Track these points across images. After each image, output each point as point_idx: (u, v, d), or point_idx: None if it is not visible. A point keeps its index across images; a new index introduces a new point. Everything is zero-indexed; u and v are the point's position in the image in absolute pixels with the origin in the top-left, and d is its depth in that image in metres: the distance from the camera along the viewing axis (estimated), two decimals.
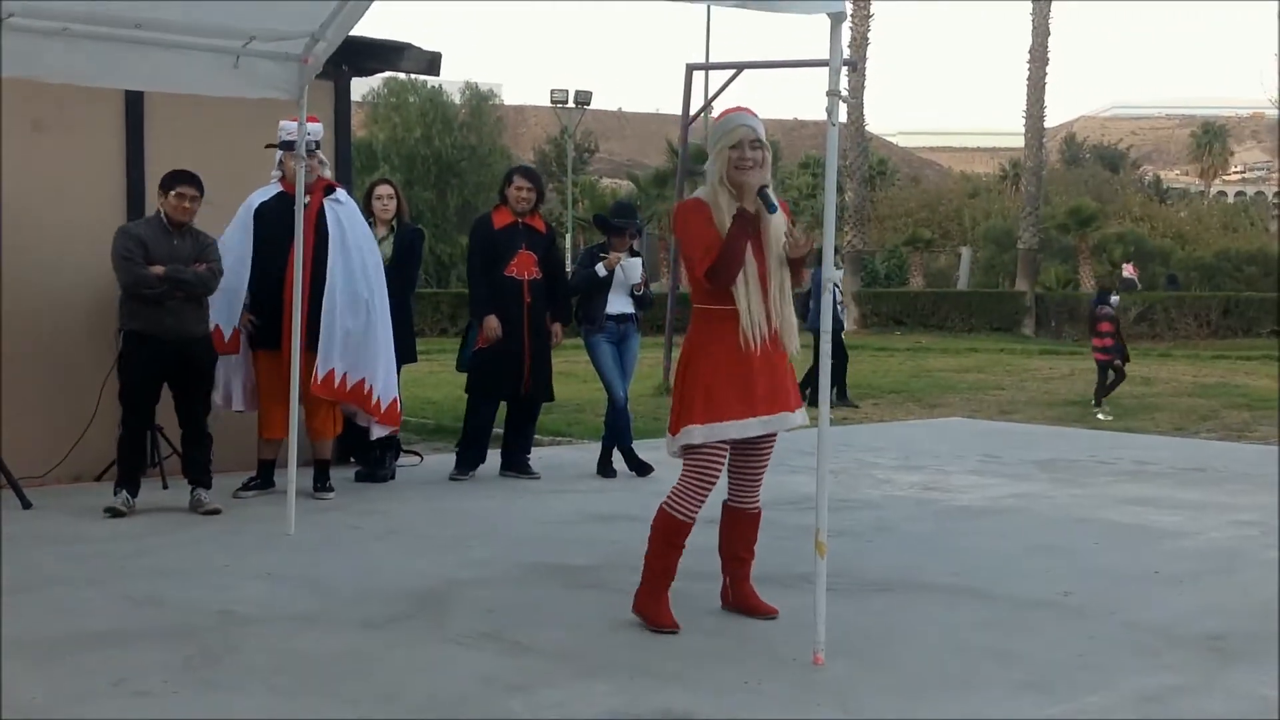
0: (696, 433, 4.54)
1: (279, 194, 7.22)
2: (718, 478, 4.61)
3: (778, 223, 4.60)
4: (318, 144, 7.16)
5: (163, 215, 6.72)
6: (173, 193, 6.65)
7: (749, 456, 4.73)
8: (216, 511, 6.77)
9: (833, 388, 14.06)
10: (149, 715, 3.72)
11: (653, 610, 4.66)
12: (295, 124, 6.98)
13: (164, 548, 6.00)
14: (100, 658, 4.24)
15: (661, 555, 4.67)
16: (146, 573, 5.50)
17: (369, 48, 8.63)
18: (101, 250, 6.75)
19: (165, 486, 7.38)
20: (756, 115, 4.68)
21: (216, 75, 6.17)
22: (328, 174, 7.40)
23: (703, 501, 4.62)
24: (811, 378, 14.26)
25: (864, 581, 5.43)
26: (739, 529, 4.85)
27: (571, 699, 3.89)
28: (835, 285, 5.00)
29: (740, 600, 4.88)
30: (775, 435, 4.70)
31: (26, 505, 6.83)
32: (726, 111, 4.70)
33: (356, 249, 7.27)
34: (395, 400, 7.46)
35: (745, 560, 4.89)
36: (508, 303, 7.88)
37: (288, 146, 7.10)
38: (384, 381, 7.35)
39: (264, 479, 7.35)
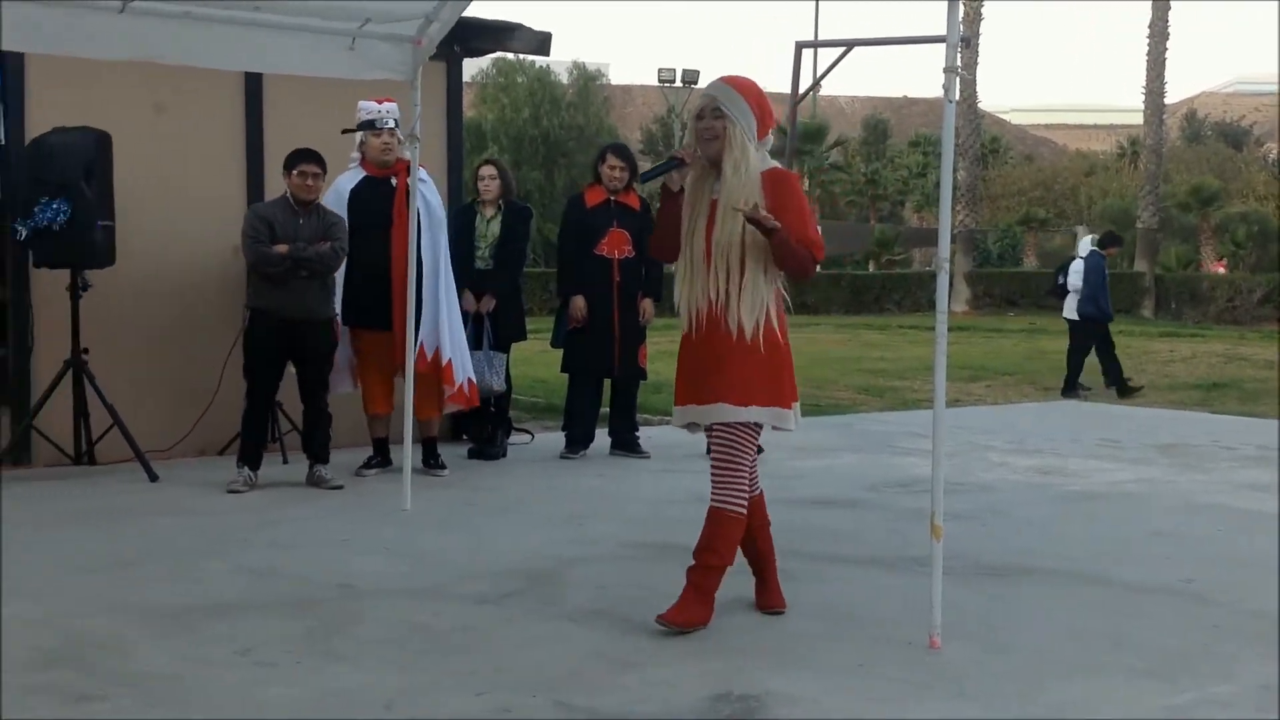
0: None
1: (365, 178, 7.33)
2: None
3: (731, 200, 4.21)
4: (396, 123, 7.23)
5: (289, 195, 6.87)
6: (295, 171, 6.79)
7: (713, 445, 4.36)
8: (339, 487, 6.91)
9: (1106, 375, 13.50)
10: (274, 684, 3.81)
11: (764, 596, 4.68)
12: (374, 104, 7.21)
13: (284, 521, 6.13)
14: (225, 627, 4.35)
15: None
16: (267, 545, 5.63)
17: (481, 28, 8.69)
18: (222, 230, 6.92)
19: (285, 461, 7.55)
20: (735, 82, 4.34)
21: (333, 57, 6.26)
22: (407, 154, 7.51)
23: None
24: (1108, 367, 13.64)
25: (979, 565, 5.35)
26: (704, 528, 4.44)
27: (682, 677, 3.89)
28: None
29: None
30: (746, 430, 4.27)
31: (153, 478, 7.03)
32: None
33: (438, 228, 7.42)
34: (470, 380, 7.52)
35: (695, 570, 4.39)
36: (597, 282, 7.89)
37: (368, 126, 7.21)
38: (461, 359, 7.46)
39: (382, 456, 7.46)
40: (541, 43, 9.18)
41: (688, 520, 6.24)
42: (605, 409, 8.38)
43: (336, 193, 7.34)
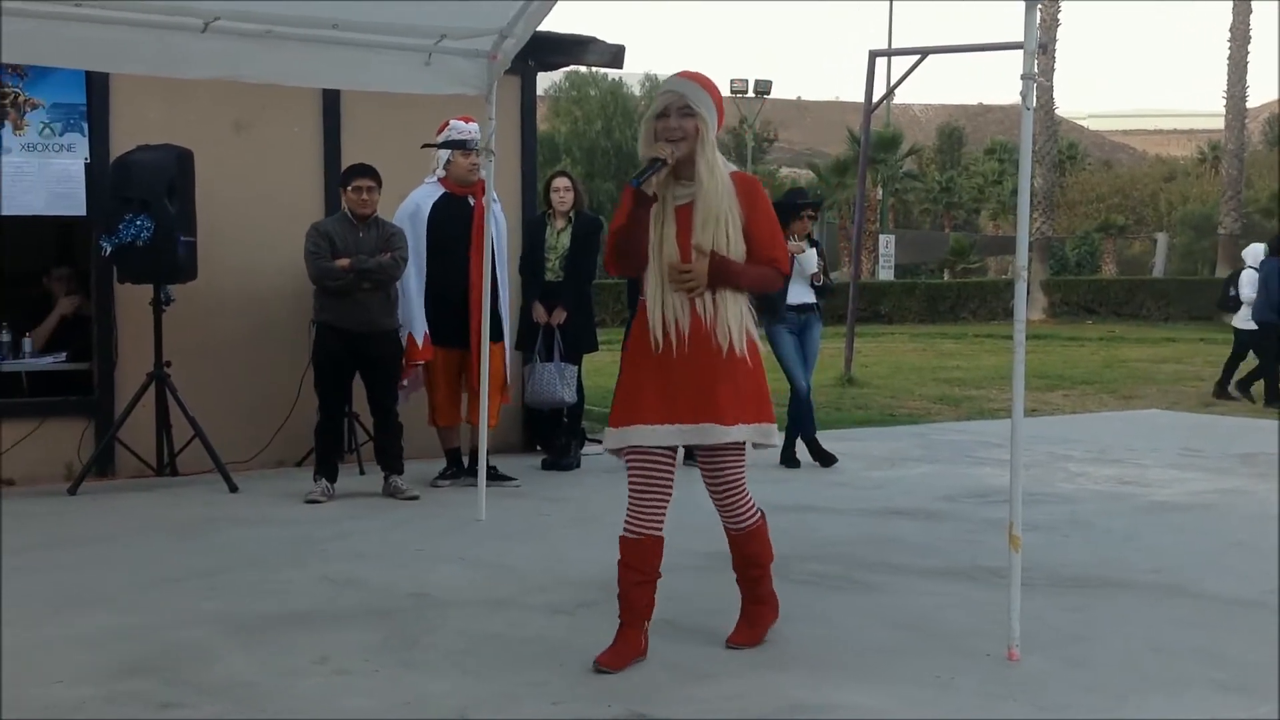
0: (609, 436, 4.13)
1: (445, 195, 7.40)
2: (653, 489, 4.08)
3: (710, 207, 3.94)
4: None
5: (346, 210, 6.96)
6: (350, 187, 6.93)
7: (707, 471, 4.18)
8: (415, 498, 6.98)
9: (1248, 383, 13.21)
10: (351, 693, 3.85)
11: (608, 649, 4.08)
12: (464, 124, 7.30)
13: (361, 532, 6.20)
14: (304, 636, 4.41)
15: (620, 580, 4.13)
16: (345, 555, 5.70)
17: (555, 42, 8.75)
18: (301, 244, 7.01)
19: (362, 472, 7.64)
20: (699, 79, 4.01)
21: (409, 73, 6.34)
22: (483, 173, 7.58)
23: (644, 515, 4.10)
24: (1258, 372, 13.15)
25: (1058, 577, 5.29)
26: (732, 550, 4.35)
27: (754, 690, 3.89)
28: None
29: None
30: (738, 449, 4.09)
31: (233, 489, 7.15)
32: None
33: (504, 248, 7.60)
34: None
35: (743, 583, 4.37)
36: None
37: (459, 145, 7.27)
38: None
39: (457, 467, 7.52)
40: (615, 55, 9.22)
41: None
42: None
43: (415, 208, 7.41)
